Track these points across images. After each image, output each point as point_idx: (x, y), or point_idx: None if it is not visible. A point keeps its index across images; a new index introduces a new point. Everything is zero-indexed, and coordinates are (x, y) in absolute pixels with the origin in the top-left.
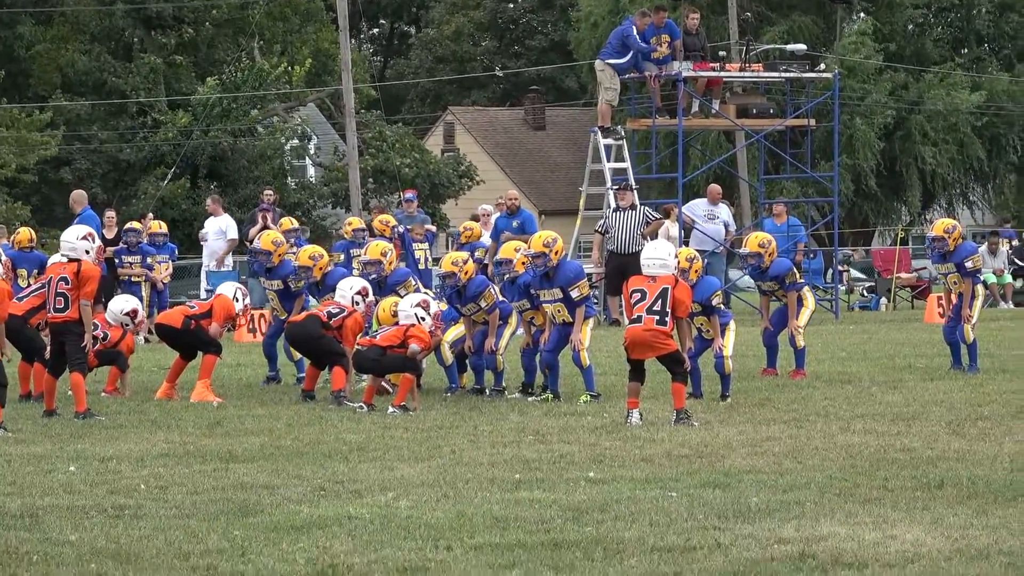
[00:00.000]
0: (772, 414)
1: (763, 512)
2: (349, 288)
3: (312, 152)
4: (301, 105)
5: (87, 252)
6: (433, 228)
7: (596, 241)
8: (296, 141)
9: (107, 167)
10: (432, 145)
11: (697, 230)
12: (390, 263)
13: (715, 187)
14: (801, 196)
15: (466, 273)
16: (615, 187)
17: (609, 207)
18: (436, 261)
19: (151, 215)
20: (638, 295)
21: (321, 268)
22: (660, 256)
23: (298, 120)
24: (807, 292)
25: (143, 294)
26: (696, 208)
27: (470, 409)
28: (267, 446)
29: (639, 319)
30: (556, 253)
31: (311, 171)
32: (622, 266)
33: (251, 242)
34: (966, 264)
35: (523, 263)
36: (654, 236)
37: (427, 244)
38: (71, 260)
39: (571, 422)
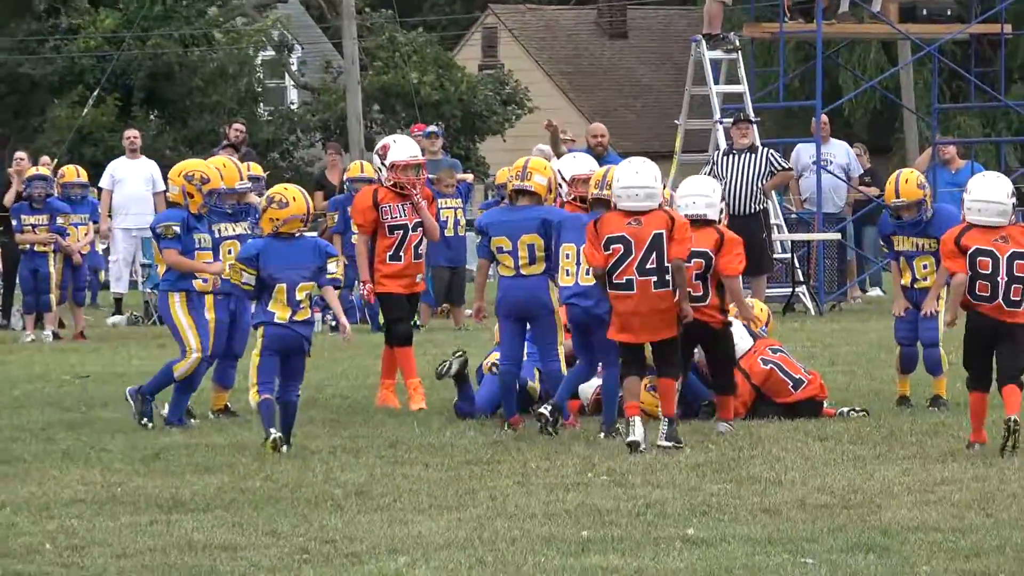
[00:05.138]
0: (947, 445)
1: None
2: None
3: (295, 68)
4: (280, 1)
5: None
6: (468, 177)
7: None
8: (271, 53)
9: (2, 88)
10: (466, 59)
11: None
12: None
13: (823, 117)
14: (992, 134)
15: None
16: (727, 119)
17: (718, 149)
18: (470, 224)
19: (47, 159)
20: (619, 246)
21: None
22: (644, 183)
23: (274, 23)
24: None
25: (51, 268)
26: (800, 153)
27: (517, 438)
28: (228, 489)
29: (628, 284)
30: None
31: (292, 95)
32: (736, 232)
33: None
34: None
35: None
36: (782, 192)
37: (459, 200)
38: None
39: (660, 457)
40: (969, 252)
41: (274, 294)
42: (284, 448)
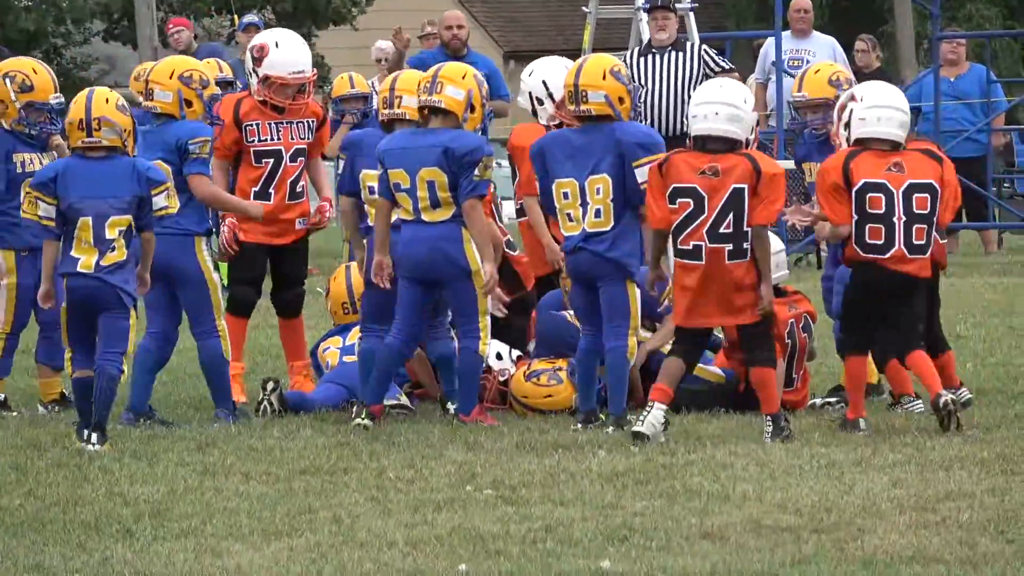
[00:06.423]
0: (954, 448)
1: None
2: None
3: None
4: None
5: None
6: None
7: None
8: None
9: None
10: None
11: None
12: None
13: (801, 2)
14: (1016, 25)
15: None
16: (646, 4)
17: (638, 45)
18: None
19: None
20: (687, 201)
21: None
22: (727, 98)
23: None
24: None
25: None
26: (768, 52)
27: (371, 439)
28: None
29: (696, 251)
30: None
31: None
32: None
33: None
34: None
35: None
36: None
37: None
38: None
39: (565, 460)
40: (855, 190)
41: (76, 232)
42: (95, 441)
